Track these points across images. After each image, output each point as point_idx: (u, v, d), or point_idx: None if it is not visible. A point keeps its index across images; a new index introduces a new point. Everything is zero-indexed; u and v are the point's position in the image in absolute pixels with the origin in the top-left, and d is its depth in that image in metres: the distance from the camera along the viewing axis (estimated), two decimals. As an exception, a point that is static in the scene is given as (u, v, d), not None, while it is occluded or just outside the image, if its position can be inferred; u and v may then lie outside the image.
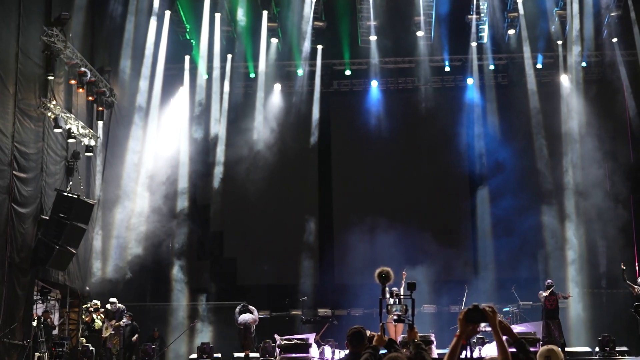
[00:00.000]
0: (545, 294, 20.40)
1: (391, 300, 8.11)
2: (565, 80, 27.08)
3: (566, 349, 19.58)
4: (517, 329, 19.16)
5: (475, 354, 16.12)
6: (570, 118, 26.66)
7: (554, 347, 7.11)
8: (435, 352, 15.09)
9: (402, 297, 8.19)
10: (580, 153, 26.11)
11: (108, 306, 21.60)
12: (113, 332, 21.29)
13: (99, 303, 21.45)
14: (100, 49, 25.16)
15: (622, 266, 21.54)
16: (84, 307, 22.06)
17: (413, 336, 7.36)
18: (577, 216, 26.06)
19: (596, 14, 26.35)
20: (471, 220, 27.44)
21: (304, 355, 16.12)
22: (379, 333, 7.70)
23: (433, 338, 15.69)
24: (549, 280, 21.10)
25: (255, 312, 20.57)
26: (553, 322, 20.04)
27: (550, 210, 26.23)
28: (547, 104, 27.14)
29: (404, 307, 8.16)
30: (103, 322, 21.28)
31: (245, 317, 20.17)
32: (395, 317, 8.33)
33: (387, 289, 8.51)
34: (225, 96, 27.31)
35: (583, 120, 26.35)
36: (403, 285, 17.76)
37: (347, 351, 18.08)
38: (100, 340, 21.22)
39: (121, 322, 21.53)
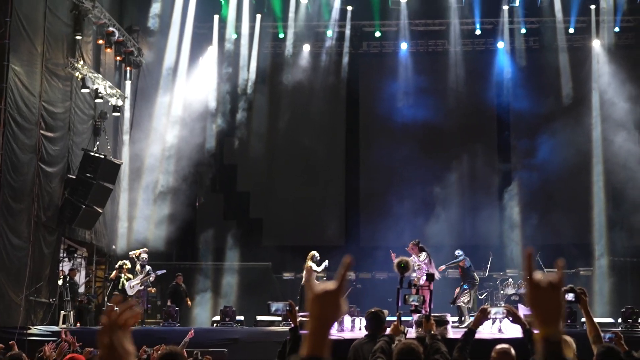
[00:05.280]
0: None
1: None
2: (597, 45, 26.73)
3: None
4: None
5: (496, 326, 16.20)
6: (602, 83, 26.37)
7: (567, 338, 7.15)
8: (451, 331, 15.09)
9: (420, 287, 8.22)
10: (611, 118, 25.82)
11: (142, 256, 21.32)
12: (141, 287, 21.21)
13: (128, 263, 21.48)
14: (128, 8, 25.21)
15: None
16: (116, 265, 21.91)
17: (429, 327, 7.44)
18: (606, 184, 25.90)
19: (631, -22, 26.00)
20: (499, 184, 27.29)
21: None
22: (396, 322, 7.78)
23: (449, 318, 15.67)
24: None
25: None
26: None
27: (578, 176, 26.09)
28: (579, 68, 26.84)
29: (421, 297, 8.20)
30: (128, 280, 21.29)
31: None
32: (412, 308, 8.39)
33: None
34: (254, 56, 27.20)
35: (615, 86, 26.04)
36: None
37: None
38: (126, 301, 21.26)
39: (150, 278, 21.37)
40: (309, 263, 20.18)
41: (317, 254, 20.40)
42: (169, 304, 21.58)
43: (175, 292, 22.15)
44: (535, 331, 2.54)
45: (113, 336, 2.68)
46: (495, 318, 14.31)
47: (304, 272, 20.22)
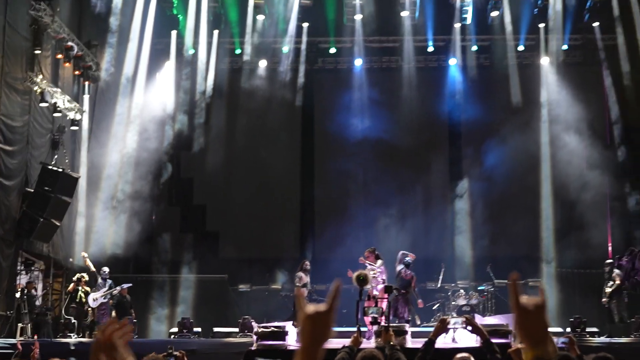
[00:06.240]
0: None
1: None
2: (546, 62, 27.42)
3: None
4: (487, 320, 19.57)
5: (450, 336, 16.53)
6: (550, 99, 27.03)
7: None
8: (410, 341, 15.37)
9: (379, 299, 8.51)
10: (558, 133, 26.42)
11: (100, 279, 21.61)
12: (104, 299, 21.37)
13: (86, 276, 21.61)
14: (87, 23, 25.23)
15: None
16: (74, 278, 22.02)
17: (388, 338, 7.67)
18: (554, 196, 26.48)
19: (579, -2, 26.72)
20: (451, 196, 27.70)
21: (281, 342, 16.26)
22: (355, 335, 8.05)
23: (407, 328, 15.91)
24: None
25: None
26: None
27: (528, 185, 26.65)
28: (528, 85, 27.46)
29: (380, 309, 8.51)
30: (87, 294, 21.42)
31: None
32: (370, 320, 8.69)
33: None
34: (211, 71, 27.45)
35: (562, 102, 26.71)
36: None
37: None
38: (83, 313, 21.44)
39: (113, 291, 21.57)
40: (299, 273, 20.17)
41: (308, 263, 20.43)
42: (113, 315, 21.72)
43: (120, 303, 22.21)
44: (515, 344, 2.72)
45: (108, 353, 2.85)
46: (453, 328, 14.67)
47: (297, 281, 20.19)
